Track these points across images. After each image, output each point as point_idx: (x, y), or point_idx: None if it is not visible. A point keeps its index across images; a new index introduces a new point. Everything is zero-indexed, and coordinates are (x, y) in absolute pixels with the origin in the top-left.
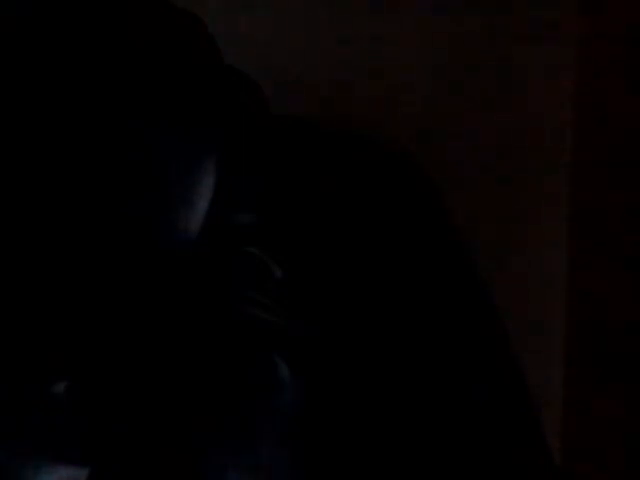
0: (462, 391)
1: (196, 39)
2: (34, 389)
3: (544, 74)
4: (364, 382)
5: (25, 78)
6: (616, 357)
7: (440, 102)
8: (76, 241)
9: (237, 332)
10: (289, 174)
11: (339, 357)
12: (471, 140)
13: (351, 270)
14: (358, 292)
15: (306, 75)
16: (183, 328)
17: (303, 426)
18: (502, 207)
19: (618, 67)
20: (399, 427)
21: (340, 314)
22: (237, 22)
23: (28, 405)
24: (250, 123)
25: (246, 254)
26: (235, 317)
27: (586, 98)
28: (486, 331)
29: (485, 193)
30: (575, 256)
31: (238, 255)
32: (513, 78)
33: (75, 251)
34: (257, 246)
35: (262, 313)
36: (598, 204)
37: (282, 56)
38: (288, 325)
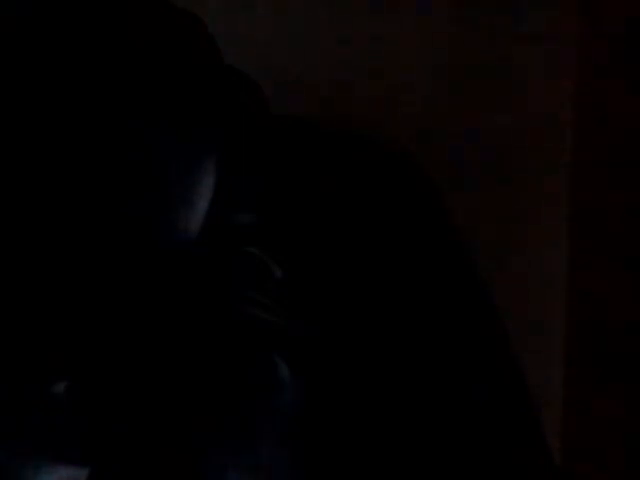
0: (462, 391)
1: (196, 39)
2: (34, 389)
3: (544, 74)
4: (364, 382)
5: (25, 78)
6: (616, 357)
7: (440, 102)
8: (76, 241)
9: (237, 332)
10: (289, 174)
11: (339, 357)
12: (471, 140)
13: (351, 270)
14: (358, 292)
15: (306, 75)
16: (183, 328)
17: (303, 426)
18: (502, 207)
19: (618, 67)
20: (399, 427)
21: (340, 314)
22: (237, 22)
23: (28, 405)
24: (250, 123)
25: (246, 254)
26: (235, 317)
27: (586, 98)
28: (486, 331)
29: (485, 193)
30: (575, 256)
31: (238, 255)
32: (513, 78)
33: (75, 251)
34: (257, 246)
35: (262, 313)
36: (598, 204)
37: (282, 56)
38: (288, 325)
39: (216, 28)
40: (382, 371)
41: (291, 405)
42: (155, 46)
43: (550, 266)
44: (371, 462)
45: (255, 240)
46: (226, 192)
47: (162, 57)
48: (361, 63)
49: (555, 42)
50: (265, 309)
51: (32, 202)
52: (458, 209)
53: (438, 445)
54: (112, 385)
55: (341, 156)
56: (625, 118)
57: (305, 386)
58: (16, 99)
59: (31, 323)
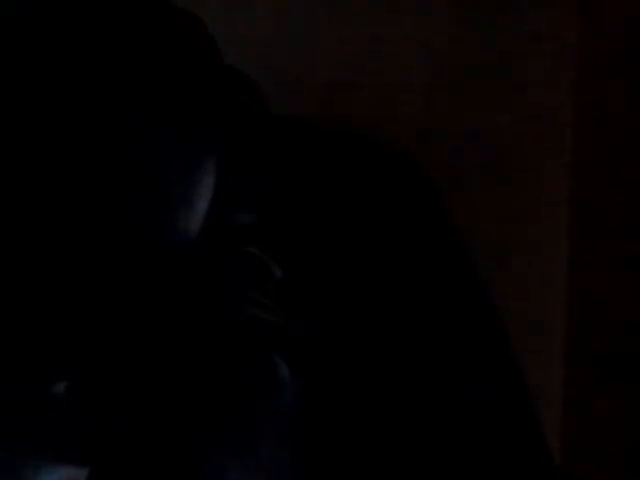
0: (462, 391)
1: (196, 39)
2: (34, 389)
3: (544, 74)
4: (364, 382)
5: (25, 78)
6: (616, 357)
7: (440, 102)
8: (76, 241)
9: (237, 332)
10: (289, 174)
11: (339, 357)
12: (471, 140)
13: (351, 270)
14: (358, 292)
15: (306, 75)
16: (183, 328)
17: (303, 426)
18: (502, 207)
19: (618, 67)
20: (399, 427)
21: (340, 314)
22: (237, 22)
23: (28, 405)
24: (250, 123)
25: (246, 254)
26: (235, 317)
27: (586, 98)
28: (486, 331)
29: (485, 193)
30: (575, 256)
31: (238, 255)
32: (513, 78)
33: (75, 251)
34: (257, 246)
35: (262, 313)
36: (598, 204)
37: (282, 56)
38: (288, 325)
39: (216, 28)
40: (382, 371)
41: (291, 405)
42: (155, 46)
43: (550, 266)
44: (371, 462)
45: (255, 240)
46: (226, 192)
47: (162, 57)
48: (361, 63)
49: (555, 42)
50: (265, 309)
51: (32, 202)
52: (458, 209)
53: (438, 445)
54: (112, 385)
55: (341, 156)
56: (625, 118)
57: (305, 386)
58: (16, 99)
59: (31, 323)
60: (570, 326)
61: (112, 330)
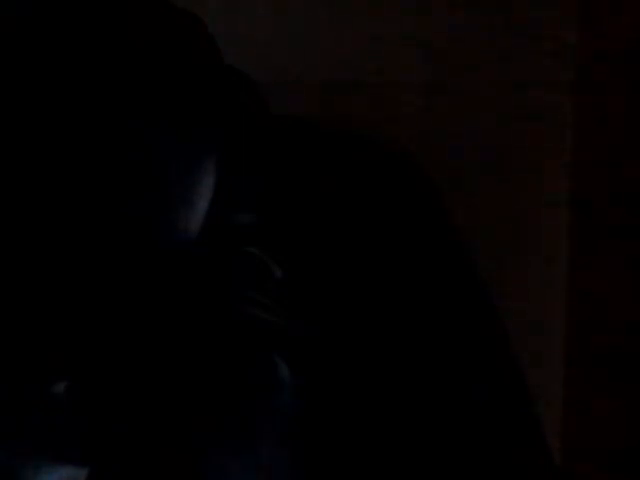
0: (462, 391)
1: (196, 39)
2: (34, 389)
3: (544, 74)
4: (364, 382)
5: (25, 78)
6: (616, 357)
7: (440, 102)
8: (76, 241)
9: (237, 332)
10: (289, 174)
11: (339, 357)
12: (471, 140)
13: (351, 270)
14: (358, 292)
15: (306, 75)
16: (183, 328)
17: (303, 426)
18: (502, 207)
19: (618, 67)
20: (399, 427)
21: (340, 314)
22: (237, 22)
23: (28, 405)
24: (250, 123)
25: (246, 254)
26: (235, 317)
27: (586, 98)
28: (486, 331)
29: (485, 193)
30: (575, 256)
31: (238, 255)
32: (513, 78)
33: (75, 251)
34: (257, 246)
35: (262, 313)
36: (598, 204)
37: (282, 56)
38: (288, 325)
39: (216, 28)
40: (382, 371)
41: (291, 405)
42: (155, 46)
43: (550, 266)
44: (371, 462)
45: (255, 240)
46: (226, 192)
47: (162, 57)
48: (361, 63)
49: (555, 42)
50: (265, 309)
51: (32, 202)
52: (458, 209)
53: (438, 445)
54: (112, 385)
55: (341, 156)
56: (625, 118)
57: (305, 386)
58: (16, 99)
59: (31, 323)
60: (570, 326)
61: (112, 330)
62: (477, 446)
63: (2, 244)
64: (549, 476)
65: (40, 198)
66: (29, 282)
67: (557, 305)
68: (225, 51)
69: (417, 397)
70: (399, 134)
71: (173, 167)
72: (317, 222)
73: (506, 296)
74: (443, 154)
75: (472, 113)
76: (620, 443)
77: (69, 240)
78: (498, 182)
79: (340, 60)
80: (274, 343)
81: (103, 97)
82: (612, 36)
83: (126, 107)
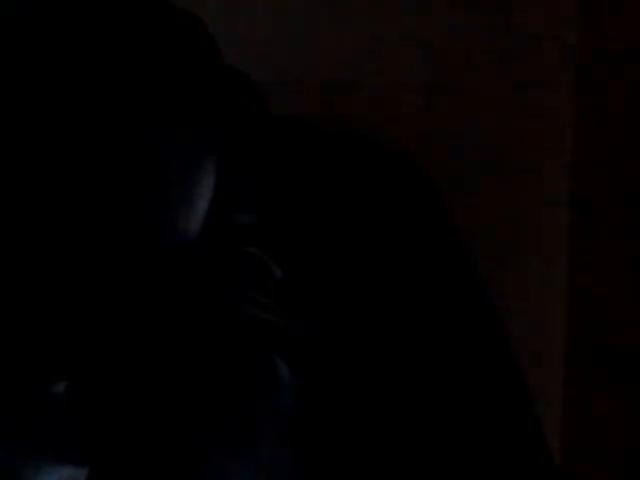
0: (462, 391)
1: (196, 39)
2: (34, 389)
3: (544, 74)
4: (364, 382)
5: (25, 78)
6: (616, 357)
7: (440, 102)
8: (76, 241)
9: (237, 332)
10: (289, 174)
11: (339, 357)
12: (471, 140)
13: (351, 270)
14: (358, 292)
15: (306, 75)
16: (183, 328)
17: (303, 426)
18: (502, 207)
19: (618, 67)
20: (399, 427)
21: (340, 314)
22: (237, 22)
23: (28, 405)
24: (250, 123)
25: (246, 254)
26: (235, 317)
27: (586, 98)
28: (486, 331)
29: (485, 193)
30: (575, 256)
31: (238, 255)
32: (513, 78)
33: (75, 251)
34: (257, 246)
35: (262, 313)
36: (598, 204)
37: (282, 56)
38: (288, 325)
39: (216, 28)
40: (382, 371)
41: (291, 405)
42: (155, 46)
43: (550, 266)
44: (371, 462)
45: (255, 240)
46: (226, 192)
47: (162, 57)
48: (361, 63)
49: (555, 42)
50: (265, 309)
51: (32, 202)
52: (458, 209)
53: (438, 445)
54: (112, 385)
55: (341, 156)
56: (625, 118)
57: (305, 386)
58: (16, 99)
59: (31, 323)
60: (570, 326)
61: (112, 330)
62: (477, 446)
63: (2, 244)
64: (549, 476)
65: (40, 198)
66: (29, 282)
67: (557, 305)
68: (225, 51)
69: (417, 397)
70: (399, 134)
71: (173, 167)
72: (317, 222)
73: (506, 296)
74: (443, 154)
75: (472, 113)
76: (620, 443)
77: (69, 240)
78: (498, 182)
79: (340, 60)
80: (274, 343)
81: (103, 97)
82: (612, 36)
83: (126, 107)
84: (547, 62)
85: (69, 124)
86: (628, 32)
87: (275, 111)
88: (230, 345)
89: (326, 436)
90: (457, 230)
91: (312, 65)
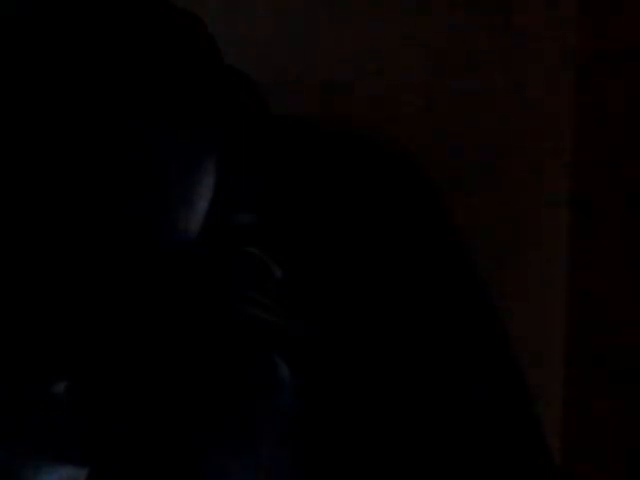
0: (462, 391)
1: (196, 39)
2: (34, 389)
3: (544, 74)
4: (364, 382)
5: (25, 78)
6: (616, 357)
7: (440, 102)
8: (76, 241)
9: (237, 332)
10: (289, 174)
11: (339, 357)
12: (471, 140)
13: (351, 270)
14: (358, 292)
15: (306, 75)
16: (183, 328)
17: (303, 426)
18: (502, 207)
19: (618, 67)
20: (399, 427)
21: (340, 314)
22: (237, 22)
23: (28, 405)
24: (250, 123)
25: (246, 254)
26: (235, 317)
27: (586, 98)
28: (486, 331)
29: (485, 193)
30: (575, 256)
31: (238, 255)
32: (513, 78)
33: (75, 251)
34: (257, 246)
35: (262, 313)
36: (598, 204)
37: (282, 56)
38: (288, 325)
39: (216, 28)
40: (382, 371)
41: (291, 405)
42: (155, 46)
43: (550, 266)
44: (371, 462)
45: (255, 240)
46: (226, 192)
47: (162, 57)
48: (361, 63)
49: (555, 42)
50: (265, 309)
51: (32, 202)
52: (458, 209)
53: (438, 445)
54: (112, 385)
55: (341, 156)
56: (625, 118)
57: (305, 386)
58: (16, 99)
59: (31, 323)
60: (570, 326)
61: (112, 330)
62: (477, 446)
63: (2, 244)
64: (549, 476)
65: (40, 198)
66: (29, 282)
67: (557, 305)
68: (225, 51)
69: (417, 397)
70: (399, 134)
71: (173, 167)
72: (317, 222)
73: (506, 296)
74: (443, 154)
75: (472, 113)
76: (620, 443)
77: (69, 240)
78: (498, 182)
79: (340, 60)
80: (274, 343)
81: (103, 97)
82: (612, 36)
83: (126, 107)
84: (547, 62)
85: (69, 124)
86: (628, 32)
87: (275, 111)
88: (230, 345)
89: (326, 436)
90: (457, 230)
91: (312, 65)
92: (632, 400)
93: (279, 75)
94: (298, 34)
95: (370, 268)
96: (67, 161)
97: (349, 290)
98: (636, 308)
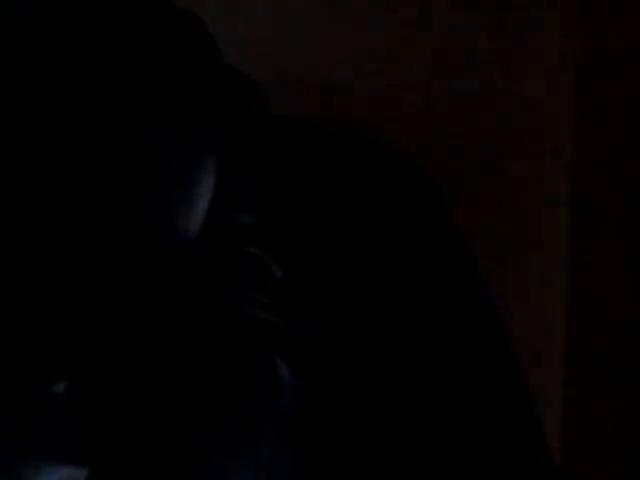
0: (462, 391)
1: (196, 39)
2: (34, 389)
3: (544, 74)
4: (364, 382)
5: (25, 78)
6: (616, 357)
7: (440, 102)
8: (76, 241)
9: (237, 332)
10: (289, 174)
11: (339, 357)
12: (471, 140)
13: (351, 270)
14: (358, 292)
15: (306, 75)
16: (183, 328)
17: (303, 426)
18: (502, 207)
19: (618, 67)
20: (399, 427)
21: (340, 314)
22: (237, 22)
23: (28, 405)
24: (250, 123)
25: (246, 254)
26: (235, 317)
27: (586, 98)
28: (486, 331)
29: (485, 193)
30: (575, 256)
31: (238, 255)
32: (513, 78)
33: (75, 251)
34: (257, 246)
35: (262, 313)
36: (598, 204)
37: (282, 56)
38: (288, 325)
39: (216, 28)
40: (382, 371)
41: (291, 405)
42: (155, 46)
43: (550, 266)
44: (371, 462)
45: (255, 240)
46: (226, 192)
47: (162, 57)
48: (361, 63)
49: (555, 42)
50: (265, 309)
51: (32, 202)
52: (458, 209)
53: (438, 445)
54: (112, 385)
55: (341, 156)
56: (625, 118)
57: (305, 386)
58: (16, 99)
59: (31, 323)
60: (570, 326)
61: (112, 330)
62: (477, 446)
63: (2, 244)
64: (549, 476)
65: (40, 198)
66: (29, 282)
67: (557, 305)
68: (225, 51)
69: (417, 397)
70: (399, 134)
71: (173, 167)
72: (317, 222)
73: (506, 296)
74: (443, 154)
75: (472, 113)
76: (620, 443)
77: (69, 240)
78: (498, 182)
79: (340, 60)
80: (274, 343)
81: (103, 97)
82: (612, 36)
83: (126, 107)
84: (547, 62)
85: (69, 124)
86: (628, 32)
87: (275, 111)
88: (230, 345)
89: (326, 436)
90: (457, 230)
91: (312, 65)
92: (632, 400)
93: (279, 75)
94: (298, 34)
95: (370, 268)
96: (67, 161)
97: (349, 290)
98: (636, 308)
